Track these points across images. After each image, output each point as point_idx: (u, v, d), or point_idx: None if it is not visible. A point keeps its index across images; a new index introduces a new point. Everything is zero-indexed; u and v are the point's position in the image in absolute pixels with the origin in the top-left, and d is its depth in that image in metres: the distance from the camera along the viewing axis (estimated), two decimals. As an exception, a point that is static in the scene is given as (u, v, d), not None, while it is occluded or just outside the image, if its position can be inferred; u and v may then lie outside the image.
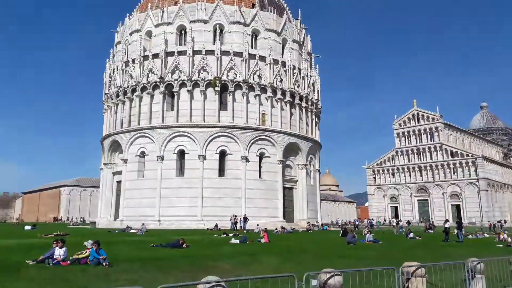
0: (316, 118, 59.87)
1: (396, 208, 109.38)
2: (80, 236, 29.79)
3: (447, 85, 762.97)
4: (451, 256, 19.91)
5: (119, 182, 52.49)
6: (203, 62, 50.28)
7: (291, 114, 54.06)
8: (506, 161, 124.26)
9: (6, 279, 11.93)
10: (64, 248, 15.18)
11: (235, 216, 44.50)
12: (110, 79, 57.47)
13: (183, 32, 53.15)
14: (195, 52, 50.88)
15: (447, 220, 36.15)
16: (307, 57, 60.06)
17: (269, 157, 50.53)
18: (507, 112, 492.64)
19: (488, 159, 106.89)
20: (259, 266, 15.51)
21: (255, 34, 54.19)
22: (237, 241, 26.95)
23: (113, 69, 56.73)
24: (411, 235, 36.06)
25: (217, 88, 49.71)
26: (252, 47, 52.90)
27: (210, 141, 48.37)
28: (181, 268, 14.62)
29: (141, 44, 52.80)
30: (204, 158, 47.94)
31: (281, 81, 53.28)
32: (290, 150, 52.90)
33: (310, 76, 58.59)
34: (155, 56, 51.57)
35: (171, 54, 51.25)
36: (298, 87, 55.37)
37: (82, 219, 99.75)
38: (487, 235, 42.70)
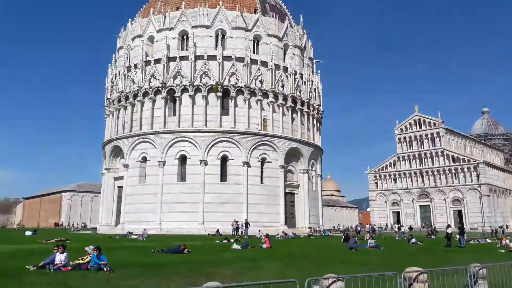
0: (318, 123, 59.87)
1: (398, 213, 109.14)
2: (81, 242, 29.74)
3: (449, 90, 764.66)
4: (453, 261, 19.82)
5: (120, 187, 52.46)
6: (205, 67, 50.39)
7: (292, 119, 54.07)
8: (507, 167, 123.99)
9: (7, 285, 11.89)
10: (65, 254, 15.14)
11: (237, 221, 44.41)
12: (112, 84, 57.59)
13: (185, 37, 53.30)
14: (197, 57, 51.01)
15: (449, 226, 35.98)
16: (308, 62, 60.15)
17: (271, 162, 50.50)
18: (509, 117, 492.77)
19: (490, 165, 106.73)
20: (261, 272, 15.44)
21: (257, 40, 54.31)
22: (239, 247, 26.87)
23: (115, 74, 56.86)
24: (413, 240, 35.91)
25: (219, 93, 49.77)
26: (254, 53, 53.02)
27: (212, 146, 48.37)
28: (182, 274, 14.56)
29: (143, 49, 52.94)
30: (206, 163, 47.92)
31: (282, 86, 53.34)
32: (292, 155, 52.87)
33: (312, 81, 58.66)
34: (157, 61, 51.70)
35: (173, 59, 51.37)
36: (299, 92, 55.42)
37: (83, 225, 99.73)
38: (489, 241, 42.51)
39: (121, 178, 52.24)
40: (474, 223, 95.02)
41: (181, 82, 50.28)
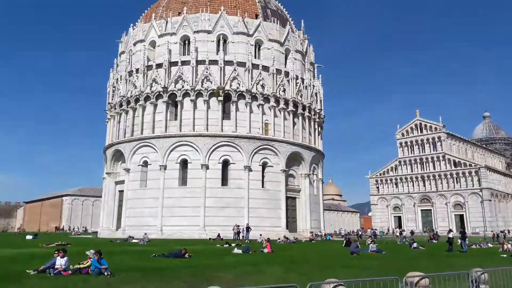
0: (319, 128, 59.88)
1: (399, 218, 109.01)
2: (81, 246, 29.70)
3: (450, 95, 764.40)
4: (455, 266, 19.76)
5: (121, 191, 52.46)
6: (207, 72, 50.49)
7: (294, 123, 54.08)
8: (509, 171, 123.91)
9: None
10: (65, 258, 15.11)
11: (238, 226, 44.32)
12: (114, 88, 57.70)
13: (186, 42, 53.44)
14: (199, 62, 51.12)
15: (450, 230, 35.91)
16: (310, 67, 60.25)
17: (272, 166, 50.49)
18: (510, 122, 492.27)
19: (491, 169, 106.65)
20: (262, 276, 15.40)
21: (258, 44, 54.44)
22: (240, 251, 26.81)
23: (117, 79, 56.98)
24: (415, 245, 35.83)
25: (220, 98, 49.84)
26: (255, 57, 53.12)
27: (213, 150, 48.39)
28: (183, 278, 14.52)
29: (145, 54, 53.09)
30: (207, 168, 47.92)
31: (284, 90, 53.40)
32: (293, 160, 52.85)
33: (313, 86, 58.73)
34: (159, 66, 51.82)
35: (174, 64, 51.50)
36: (301, 96, 55.47)
37: (84, 229, 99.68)
38: (491, 245, 42.38)
39: (122, 182, 52.24)
40: (475, 227, 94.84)
41: (183, 86, 50.37)
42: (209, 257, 23.52)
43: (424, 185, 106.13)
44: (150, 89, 51.51)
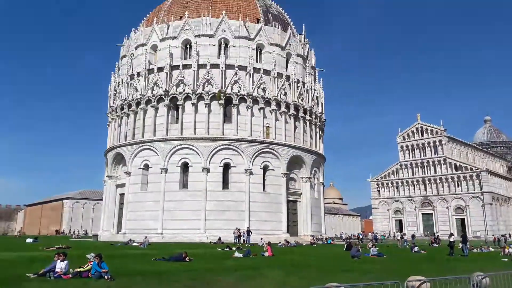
0: (320, 131, 59.89)
1: (400, 221, 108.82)
2: (82, 249, 29.69)
3: (451, 99, 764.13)
4: (456, 270, 19.72)
5: (122, 194, 52.43)
6: (208, 76, 50.56)
7: (295, 127, 54.08)
8: (510, 175, 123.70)
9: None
10: (65, 262, 15.11)
11: (239, 229, 44.29)
12: (115, 92, 57.80)
13: (188, 46, 53.54)
14: (200, 66, 51.21)
15: (451, 234, 35.86)
16: (311, 71, 60.34)
17: (273, 170, 50.46)
18: (511, 126, 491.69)
19: (492, 173, 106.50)
20: (263, 280, 15.37)
21: (259, 48, 54.53)
22: (241, 255, 26.75)
23: (118, 82, 57.08)
24: (416, 249, 35.76)
25: (222, 101, 49.88)
26: (256, 61, 53.19)
27: (214, 153, 48.39)
28: (184, 282, 14.51)
29: (146, 58, 53.19)
30: (208, 171, 47.90)
31: (285, 94, 53.45)
32: (294, 163, 52.83)
33: (314, 89, 58.78)
34: (160, 69, 51.92)
35: (176, 67, 51.60)
36: (302, 100, 55.51)
37: (84, 232, 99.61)
38: (492, 249, 42.32)
39: (123, 185, 52.24)
40: (476, 231, 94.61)
41: (184, 90, 50.44)
42: (209, 260, 23.48)
43: (425, 189, 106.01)
44: (152, 93, 51.58)
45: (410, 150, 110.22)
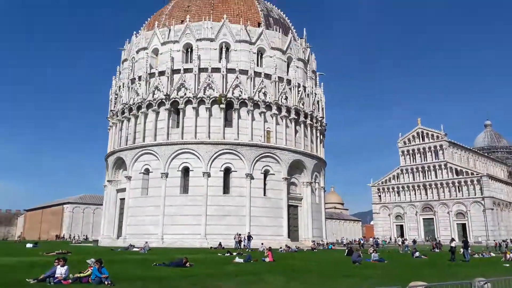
0: (321, 136, 59.84)
1: (401, 226, 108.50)
2: (82, 255, 29.58)
3: (451, 103, 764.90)
4: (457, 275, 19.62)
5: (122, 199, 52.33)
6: (209, 80, 50.60)
7: (296, 131, 54.05)
8: (511, 180, 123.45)
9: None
10: (65, 267, 15.03)
11: (239, 234, 44.15)
12: (116, 96, 57.82)
13: (189, 50, 53.63)
14: (201, 70, 51.27)
15: (453, 239, 35.77)
16: (312, 75, 60.39)
17: (274, 174, 50.37)
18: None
19: (493, 178, 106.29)
20: (264, 286, 15.29)
21: (260, 53, 54.61)
22: (241, 260, 26.65)
23: (119, 86, 57.11)
24: (417, 254, 35.64)
25: (223, 105, 49.89)
26: (257, 65, 53.25)
27: (215, 158, 48.32)
28: (184, 288, 14.41)
29: (147, 62, 53.24)
30: (209, 175, 47.82)
31: (286, 98, 53.46)
32: (295, 168, 52.75)
33: (315, 94, 58.80)
34: (161, 73, 51.95)
35: (177, 71, 51.64)
36: (303, 104, 55.51)
37: (84, 237, 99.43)
38: (494, 254, 42.16)
39: (123, 190, 52.15)
40: (478, 236, 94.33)
41: (185, 94, 50.47)
42: (210, 266, 23.38)
43: (426, 194, 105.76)
44: (153, 97, 51.59)
45: (411, 155, 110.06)
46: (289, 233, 50.13)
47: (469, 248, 33.80)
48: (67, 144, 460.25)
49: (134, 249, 39.40)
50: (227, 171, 48.81)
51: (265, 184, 49.89)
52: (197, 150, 48.48)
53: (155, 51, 54.98)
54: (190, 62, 52.40)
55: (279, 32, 56.27)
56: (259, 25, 55.78)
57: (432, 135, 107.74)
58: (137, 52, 56.51)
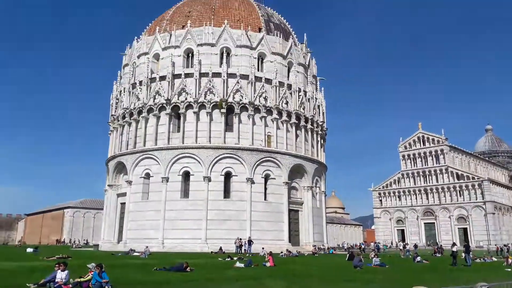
0: (322, 140, 59.82)
1: (402, 231, 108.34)
2: (82, 259, 29.55)
3: (452, 108, 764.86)
4: (459, 280, 19.57)
5: (123, 204, 52.27)
6: (210, 84, 50.66)
7: (296, 136, 54.05)
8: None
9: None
10: (66, 272, 15.00)
11: (240, 239, 44.04)
12: (117, 100, 57.88)
13: (190, 55, 53.73)
14: (202, 75, 51.33)
15: (454, 244, 35.59)
16: (312, 80, 60.46)
17: (275, 178, 50.31)
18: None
19: (494, 182, 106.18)
20: (264, 291, 15.23)
21: (261, 57, 54.70)
22: (242, 265, 26.60)
23: (120, 91, 57.19)
24: (418, 258, 35.55)
25: (223, 110, 49.92)
26: (258, 70, 53.32)
27: (216, 162, 48.29)
28: (185, 292, 14.36)
29: (148, 67, 53.34)
30: (209, 180, 47.78)
31: (286, 103, 53.49)
32: (296, 172, 52.69)
33: (316, 98, 58.84)
34: (162, 78, 52.02)
35: (178, 76, 51.71)
36: (303, 109, 55.54)
37: (85, 242, 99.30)
38: (495, 259, 42.04)
39: (124, 194, 52.11)
40: (479, 241, 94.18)
41: (186, 98, 50.50)
42: (210, 271, 23.33)
43: (427, 198, 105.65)
44: (153, 101, 51.64)
45: (411, 159, 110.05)
46: (290, 238, 50.01)
47: (470, 253, 33.70)
48: (68, 149, 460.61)
49: (135, 254, 39.33)
50: (227, 176, 48.77)
51: (265, 189, 49.81)
52: (197, 155, 48.46)
53: (156, 56, 55.11)
54: (191, 67, 52.50)
55: (280, 37, 56.40)
56: (259, 30, 55.91)
57: (433, 140, 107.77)
58: (138, 57, 56.63)
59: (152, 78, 52.87)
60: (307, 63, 60.27)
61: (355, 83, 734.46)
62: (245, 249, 43.08)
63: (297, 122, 53.98)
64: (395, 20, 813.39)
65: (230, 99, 50.39)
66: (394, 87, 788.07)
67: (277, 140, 51.64)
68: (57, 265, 15.30)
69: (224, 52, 53.34)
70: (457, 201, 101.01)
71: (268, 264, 27.33)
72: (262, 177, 49.51)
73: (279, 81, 53.17)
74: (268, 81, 52.80)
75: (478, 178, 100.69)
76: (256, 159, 49.32)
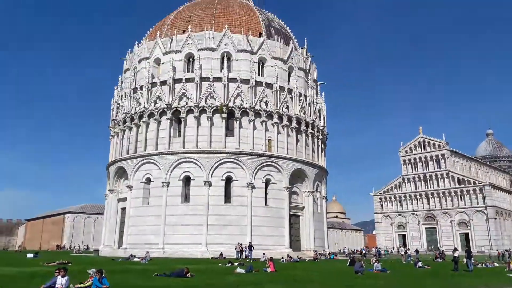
0: (322, 145, 59.77)
1: (403, 236, 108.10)
2: (83, 265, 29.46)
3: (453, 112, 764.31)
4: (461, 285, 19.49)
5: (123, 209, 52.16)
6: (211, 89, 50.70)
7: (297, 140, 54.03)
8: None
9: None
10: (66, 277, 14.93)
11: (241, 244, 43.91)
12: (118, 105, 57.95)
13: (191, 59, 53.82)
14: (203, 79, 51.39)
15: (455, 249, 35.45)
16: (313, 84, 60.49)
17: (275, 183, 50.22)
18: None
19: (496, 187, 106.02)
20: (265, 297, 15.14)
21: (262, 62, 54.77)
22: (243, 271, 26.50)
23: (121, 96, 57.26)
24: (420, 264, 35.39)
25: (224, 115, 49.93)
26: (259, 75, 53.39)
27: (216, 167, 48.23)
28: (185, 298, 14.28)
29: (149, 71, 53.42)
30: (210, 185, 47.70)
31: (287, 107, 53.50)
32: (297, 177, 52.60)
33: (316, 103, 58.85)
34: (163, 83, 52.08)
35: (179, 81, 51.77)
36: (304, 113, 55.54)
37: (85, 247, 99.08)
38: (497, 264, 41.88)
39: (124, 199, 52.04)
40: (481, 246, 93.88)
41: (187, 103, 50.54)
42: (211, 276, 23.24)
43: (428, 203, 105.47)
44: (154, 106, 51.67)
45: (412, 164, 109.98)
46: (291, 243, 49.85)
47: (472, 258, 33.56)
48: (69, 153, 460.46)
49: (135, 259, 39.23)
50: (228, 180, 48.69)
51: (266, 194, 49.71)
52: (198, 159, 48.42)
53: (157, 61, 55.20)
54: (192, 71, 52.58)
55: (280, 42, 56.50)
56: (260, 35, 56.02)
57: (434, 144, 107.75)
58: (139, 61, 56.74)
59: (153, 82, 52.94)
60: (307, 68, 60.34)
61: (356, 88, 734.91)
62: (245, 255, 42.93)
63: (297, 126, 53.97)
64: (395, 24, 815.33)
65: (230, 104, 50.42)
66: (394, 91, 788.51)
67: (277, 144, 51.60)
68: (57, 271, 15.24)
69: (225, 56, 53.43)
70: (458, 206, 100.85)
71: (269, 270, 27.21)
72: (262, 182, 49.43)
73: (279, 86, 53.21)
74: (269, 85, 52.84)
75: (479, 183, 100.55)
76: (256, 164, 49.26)
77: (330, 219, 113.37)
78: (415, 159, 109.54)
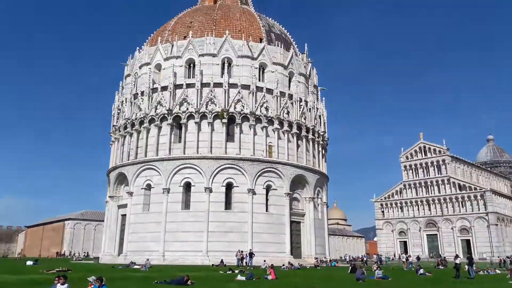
0: (323, 150, 59.66)
1: (405, 243, 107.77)
2: (83, 272, 29.28)
3: (453, 118, 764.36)
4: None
5: (124, 215, 51.93)
6: (211, 95, 50.69)
7: (298, 146, 53.92)
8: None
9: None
10: (66, 285, 14.77)
11: (241, 251, 43.64)
12: (119, 111, 57.93)
13: (191, 65, 53.87)
14: (203, 85, 51.39)
15: (457, 256, 35.27)
16: (313, 89, 60.48)
17: (276, 189, 50.04)
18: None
19: (497, 193, 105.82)
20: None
21: (262, 68, 54.81)
22: (243, 278, 26.31)
23: (122, 101, 57.25)
24: (421, 271, 35.17)
25: (225, 120, 49.87)
26: (259, 80, 53.41)
27: (217, 173, 48.09)
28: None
29: (150, 77, 53.44)
30: (210, 191, 47.53)
31: (288, 113, 53.46)
32: (297, 183, 52.43)
33: (317, 108, 58.82)
34: (164, 88, 52.07)
35: (179, 86, 51.78)
36: (304, 119, 55.49)
37: (85, 254, 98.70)
38: (499, 271, 41.66)
39: (124, 206, 51.84)
40: (482, 253, 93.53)
41: (187, 109, 50.51)
42: (212, 284, 23.07)
43: (430, 209, 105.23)
44: (155, 112, 51.64)
45: (413, 170, 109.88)
46: (292, 250, 49.56)
47: (474, 265, 33.35)
48: (69, 160, 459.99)
49: (135, 266, 38.98)
50: (229, 186, 48.52)
51: (267, 200, 49.50)
52: (199, 165, 48.29)
53: (158, 67, 55.25)
54: (193, 77, 52.60)
55: (281, 47, 56.57)
56: (261, 40, 56.11)
57: (434, 150, 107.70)
58: (140, 67, 56.79)
59: (154, 88, 52.95)
60: (308, 73, 60.37)
61: (356, 93, 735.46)
62: (246, 262, 42.65)
63: (298, 132, 53.89)
64: (396, 30, 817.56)
65: (231, 109, 50.38)
66: (395, 97, 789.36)
67: (278, 150, 51.49)
68: (57, 278, 15.08)
69: (226, 62, 53.48)
70: (460, 212, 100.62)
71: (269, 277, 27.03)
72: (263, 188, 49.26)
73: (280, 91, 53.20)
74: (269, 91, 52.83)
75: (480, 189, 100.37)
76: (257, 170, 49.13)
77: (331, 225, 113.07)
78: (416, 165, 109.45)
